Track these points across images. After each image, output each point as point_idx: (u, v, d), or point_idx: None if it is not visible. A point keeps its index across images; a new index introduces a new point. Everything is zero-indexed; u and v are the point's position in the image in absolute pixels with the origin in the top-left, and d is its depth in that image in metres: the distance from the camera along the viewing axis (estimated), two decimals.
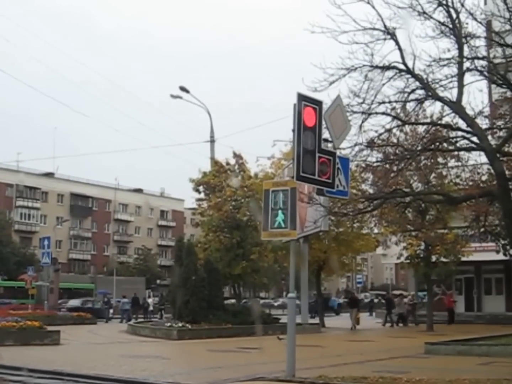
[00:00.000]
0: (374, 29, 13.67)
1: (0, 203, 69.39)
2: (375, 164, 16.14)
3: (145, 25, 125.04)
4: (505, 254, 27.70)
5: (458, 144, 15.96)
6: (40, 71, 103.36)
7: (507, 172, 15.89)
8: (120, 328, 30.51)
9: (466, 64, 14.40)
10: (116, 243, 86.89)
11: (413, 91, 14.53)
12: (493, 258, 31.14)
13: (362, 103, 13.99)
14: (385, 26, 13.73)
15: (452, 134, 15.75)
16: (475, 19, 13.97)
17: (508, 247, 26.73)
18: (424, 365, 14.89)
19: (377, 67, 14.00)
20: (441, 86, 14.51)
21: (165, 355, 17.62)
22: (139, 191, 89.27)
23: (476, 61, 14.53)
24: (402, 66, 14.15)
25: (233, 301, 36.88)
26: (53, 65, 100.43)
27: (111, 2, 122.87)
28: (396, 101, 14.61)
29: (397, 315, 33.60)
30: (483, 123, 15.62)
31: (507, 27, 14.17)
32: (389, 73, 14.24)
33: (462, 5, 13.86)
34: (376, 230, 30.40)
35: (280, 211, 11.66)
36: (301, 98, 9.79)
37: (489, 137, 15.84)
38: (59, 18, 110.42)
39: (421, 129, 17.21)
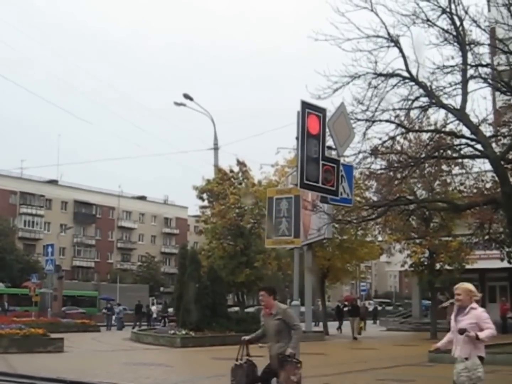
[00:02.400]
0: (377, 36, 13.72)
1: (4, 210, 69.44)
2: (379, 172, 16.14)
3: (148, 31, 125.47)
4: (509, 262, 27.65)
5: (462, 152, 15.97)
6: (44, 78, 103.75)
7: (511, 180, 15.85)
8: (124, 335, 30.46)
9: (470, 72, 14.43)
10: (120, 250, 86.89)
11: (417, 98, 14.55)
12: (497, 265, 31.04)
13: (366, 110, 14.02)
14: (388, 33, 13.78)
15: (456, 141, 15.75)
16: (479, 26, 14.02)
17: None
18: (428, 373, 14.82)
19: (380, 74, 14.03)
20: (445, 93, 14.55)
21: (169, 362, 17.57)
22: (142, 198, 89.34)
23: (480, 68, 14.55)
24: (405, 74, 14.18)
25: (236, 308, 36.81)
26: (56, 72, 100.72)
27: (115, 10, 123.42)
28: (400, 109, 14.64)
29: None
30: (487, 130, 15.64)
31: (511, 34, 14.19)
32: (393, 81, 14.29)
33: (466, 12, 13.91)
34: (380, 238, 30.32)
35: (284, 219, 11.66)
36: (305, 105, 9.79)
37: (493, 145, 15.84)
38: (63, 25, 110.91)
39: (425, 136, 17.24)
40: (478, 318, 7.03)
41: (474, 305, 7.13)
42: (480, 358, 7.08)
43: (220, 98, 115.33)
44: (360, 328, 31.39)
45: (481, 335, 6.90)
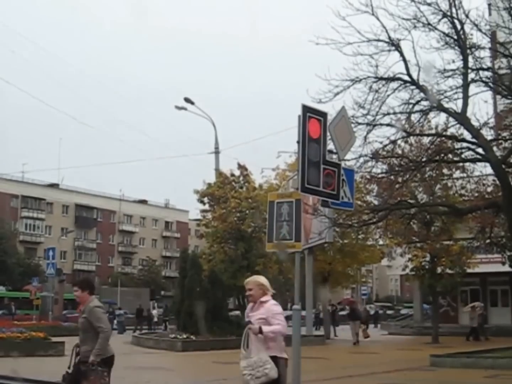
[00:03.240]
0: (378, 40, 13.72)
1: (5, 214, 69.41)
2: (380, 176, 16.14)
3: (149, 35, 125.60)
4: (511, 266, 27.64)
5: (463, 155, 15.96)
6: (45, 82, 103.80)
7: None
8: (125, 339, 30.45)
9: (471, 75, 14.43)
10: (121, 254, 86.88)
11: (417, 102, 14.55)
12: (499, 269, 31.03)
13: (367, 114, 14.03)
14: (389, 37, 13.79)
15: (457, 145, 15.76)
16: (480, 30, 14.02)
17: None
18: (429, 377, 14.82)
19: (381, 78, 14.04)
20: (446, 97, 14.54)
21: (169, 366, 17.58)
22: (143, 202, 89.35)
23: (481, 72, 14.56)
24: (406, 78, 14.18)
25: (237, 312, 36.78)
26: (57, 76, 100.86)
27: (116, 13, 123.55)
28: (401, 112, 14.62)
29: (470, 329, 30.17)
30: (488, 134, 15.64)
31: None
32: (394, 85, 14.28)
33: (467, 16, 13.91)
34: (381, 242, 30.29)
35: (285, 223, 11.64)
36: (306, 109, 9.77)
37: (494, 148, 15.83)
38: (64, 28, 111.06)
39: (426, 140, 17.21)
40: (268, 312, 6.48)
41: (265, 298, 6.59)
42: (274, 358, 6.43)
43: (221, 102, 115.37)
44: (363, 330, 30.77)
45: (265, 329, 6.30)
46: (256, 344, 6.42)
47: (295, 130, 9.86)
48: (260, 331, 6.27)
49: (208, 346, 23.25)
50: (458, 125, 15.03)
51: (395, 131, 14.86)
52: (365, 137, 14.06)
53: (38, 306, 40.16)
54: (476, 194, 18.92)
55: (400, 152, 17.11)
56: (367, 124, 14.03)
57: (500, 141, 16.57)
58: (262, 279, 6.75)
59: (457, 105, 14.46)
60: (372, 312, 54.83)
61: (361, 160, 14.28)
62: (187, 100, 34.04)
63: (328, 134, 9.88)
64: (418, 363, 17.47)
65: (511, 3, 13.98)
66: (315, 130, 9.74)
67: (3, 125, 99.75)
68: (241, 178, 35.21)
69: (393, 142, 15.27)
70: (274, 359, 6.40)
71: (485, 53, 14.81)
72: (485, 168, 17.30)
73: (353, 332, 29.45)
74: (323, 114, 10.06)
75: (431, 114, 15.31)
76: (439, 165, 16.80)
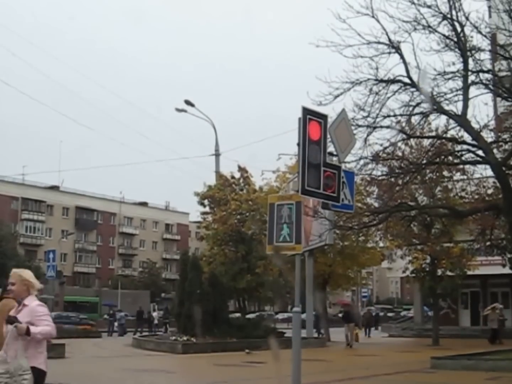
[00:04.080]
0: (378, 42, 13.73)
1: (5, 216, 69.38)
2: (380, 178, 16.13)
3: (150, 37, 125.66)
4: (511, 268, 27.60)
5: (463, 158, 15.95)
6: (46, 84, 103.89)
7: None
8: (125, 341, 30.43)
9: (471, 78, 14.44)
10: (121, 256, 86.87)
11: (418, 104, 14.54)
12: (499, 271, 31.00)
13: (367, 116, 14.03)
14: (389, 39, 13.79)
15: (458, 147, 15.75)
16: (480, 32, 14.02)
17: None
18: (430, 380, 14.80)
19: (382, 80, 14.04)
20: (446, 99, 14.54)
21: (170, 369, 17.55)
22: (144, 204, 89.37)
23: (481, 74, 14.57)
24: (407, 80, 14.18)
25: (238, 314, 36.77)
26: (58, 78, 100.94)
27: (116, 16, 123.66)
28: (401, 115, 14.62)
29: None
30: (488, 136, 15.64)
31: None
32: (394, 87, 14.29)
33: (467, 18, 13.92)
34: (381, 244, 30.27)
35: (285, 225, 11.63)
36: (306, 112, 9.77)
37: (495, 151, 15.83)
38: (65, 31, 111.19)
39: (426, 142, 17.23)
40: (32, 313, 5.62)
41: (28, 300, 5.72)
42: (40, 371, 5.79)
43: (222, 104, 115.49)
44: (356, 334, 30.22)
45: (34, 329, 5.51)
46: (14, 347, 5.56)
47: (295, 132, 9.86)
48: (28, 331, 5.47)
49: (208, 348, 23.21)
50: (458, 127, 15.03)
51: (395, 133, 14.85)
52: (366, 139, 14.07)
53: None
54: (477, 196, 18.93)
55: (400, 154, 17.13)
56: (368, 126, 14.04)
57: (500, 143, 16.58)
58: (27, 274, 5.86)
59: (457, 107, 14.47)
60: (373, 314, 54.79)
61: (362, 162, 14.28)
62: (187, 102, 34.04)
63: (328, 136, 9.87)
64: (419, 365, 17.45)
65: (511, 6, 13.99)
66: (315, 132, 9.73)
67: (3, 127, 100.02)
68: (241, 180, 35.24)
69: (393, 144, 15.27)
70: (32, 369, 5.67)
71: (485, 55, 14.83)
72: (486, 170, 17.32)
73: (346, 334, 29.08)
74: (324, 116, 10.05)
75: (431, 116, 15.33)
76: (439, 167, 16.82)
